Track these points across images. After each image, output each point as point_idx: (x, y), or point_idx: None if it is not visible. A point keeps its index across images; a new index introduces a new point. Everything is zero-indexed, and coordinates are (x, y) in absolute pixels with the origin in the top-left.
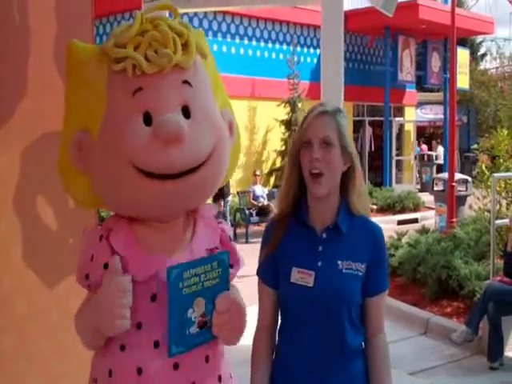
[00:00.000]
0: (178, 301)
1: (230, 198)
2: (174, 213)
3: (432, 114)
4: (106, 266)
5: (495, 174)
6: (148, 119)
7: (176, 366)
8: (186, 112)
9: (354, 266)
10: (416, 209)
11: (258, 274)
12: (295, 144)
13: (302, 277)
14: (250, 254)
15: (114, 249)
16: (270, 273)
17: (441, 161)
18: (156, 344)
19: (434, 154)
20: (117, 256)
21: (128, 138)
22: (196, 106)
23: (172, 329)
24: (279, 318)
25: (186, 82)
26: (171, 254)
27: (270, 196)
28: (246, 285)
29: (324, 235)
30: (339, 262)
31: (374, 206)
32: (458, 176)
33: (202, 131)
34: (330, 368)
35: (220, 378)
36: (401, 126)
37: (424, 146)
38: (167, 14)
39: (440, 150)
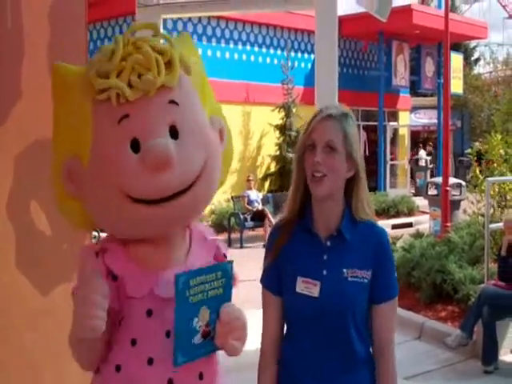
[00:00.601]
0: (185, 309)
1: None
2: (167, 232)
3: (426, 118)
4: (114, 277)
5: (489, 179)
6: (136, 146)
7: (170, 383)
8: (174, 132)
9: (360, 274)
10: (410, 213)
11: (261, 281)
12: (300, 147)
13: (306, 286)
14: (244, 259)
15: (109, 268)
16: (274, 280)
17: (422, 163)
18: (150, 361)
19: (427, 158)
20: (96, 269)
21: (117, 168)
22: (184, 124)
23: (178, 337)
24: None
25: (172, 101)
26: (166, 271)
27: (265, 201)
28: (241, 290)
29: (328, 243)
30: (344, 271)
31: None
32: (452, 180)
33: (191, 150)
34: (337, 377)
35: (201, 376)
36: (395, 131)
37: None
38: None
39: (422, 153)
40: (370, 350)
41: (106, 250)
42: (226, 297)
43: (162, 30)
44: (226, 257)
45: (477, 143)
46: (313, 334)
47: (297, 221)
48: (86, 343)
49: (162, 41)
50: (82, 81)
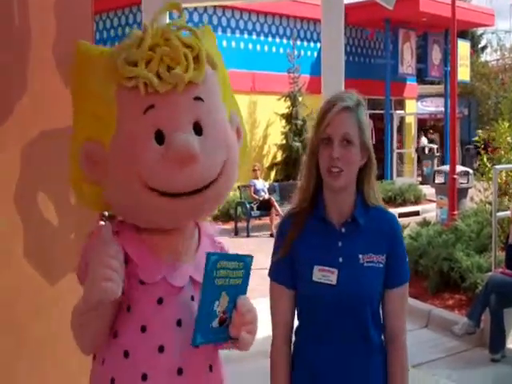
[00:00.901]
0: (211, 290)
1: None
2: (184, 224)
3: (433, 106)
4: (125, 261)
5: (496, 166)
6: (160, 137)
7: (180, 372)
8: (198, 128)
9: (375, 259)
10: (417, 201)
11: (271, 275)
12: (314, 140)
13: (324, 275)
14: (251, 248)
15: (123, 249)
16: (286, 273)
17: (426, 151)
18: (161, 349)
19: (434, 146)
20: (107, 223)
21: (140, 157)
22: (208, 121)
23: (201, 318)
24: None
25: (197, 98)
26: (178, 262)
27: (271, 190)
28: None
29: (343, 230)
30: (360, 256)
31: None
32: (459, 168)
33: (214, 148)
34: (354, 365)
35: (211, 368)
36: (401, 119)
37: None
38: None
39: (423, 140)
40: (382, 337)
41: (119, 233)
42: (243, 288)
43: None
44: None
45: (480, 131)
46: (329, 321)
47: (308, 210)
48: (94, 316)
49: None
50: (106, 63)
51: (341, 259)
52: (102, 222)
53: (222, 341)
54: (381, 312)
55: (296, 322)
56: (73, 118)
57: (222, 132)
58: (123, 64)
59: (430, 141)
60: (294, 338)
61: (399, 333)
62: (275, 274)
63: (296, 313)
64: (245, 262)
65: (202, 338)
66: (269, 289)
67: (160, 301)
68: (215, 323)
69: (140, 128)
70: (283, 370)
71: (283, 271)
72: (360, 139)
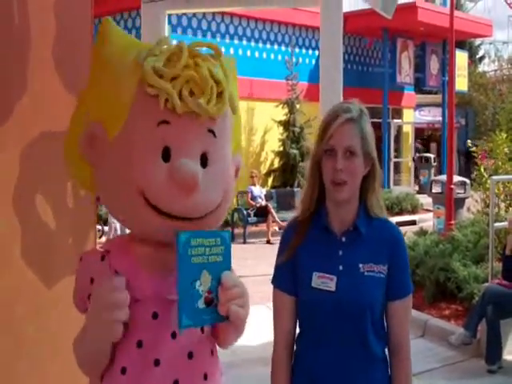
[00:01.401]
0: (188, 269)
1: None
2: (166, 243)
3: (430, 116)
4: None
5: (494, 177)
6: (166, 154)
7: (157, 363)
8: (204, 160)
9: (376, 269)
10: (414, 211)
11: (274, 282)
12: (318, 150)
13: (323, 281)
14: (248, 255)
15: (115, 270)
16: (289, 280)
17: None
18: (156, 362)
19: (432, 155)
20: (122, 277)
21: (143, 169)
22: (214, 156)
23: (182, 299)
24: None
25: (211, 131)
26: (170, 275)
27: (268, 197)
28: (245, 285)
29: (343, 239)
30: (360, 265)
31: None
32: (456, 178)
33: (215, 183)
34: (354, 374)
35: (206, 377)
36: (399, 128)
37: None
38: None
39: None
40: (386, 350)
41: (109, 252)
42: (226, 265)
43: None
44: None
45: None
46: (329, 329)
47: (311, 219)
48: (103, 350)
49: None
50: (134, 58)
51: (341, 267)
52: (99, 226)
53: (214, 321)
54: (384, 323)
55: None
56: (86, 89)
57: (225, 170)
58: (151, 72)
59: (417, 150)
60: (295, 346)
61: (404, 344)
62: (278, 281)
63: (298, 319)
64: (222, 237)
65: (189, 319)
66: (272, 296)
67: (155, 315)
68: (201, 304)
69: (150, 139)
70: (283, 377)
71: (285, 278)
72: (363, 149)
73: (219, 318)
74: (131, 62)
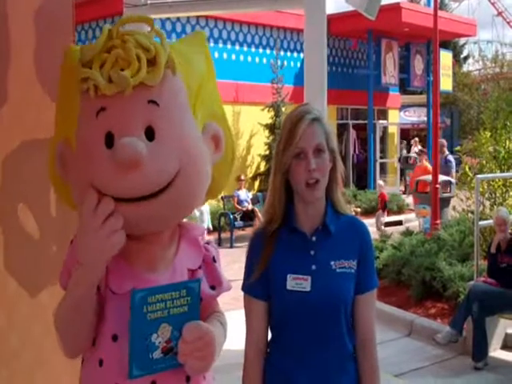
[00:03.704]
0: (142, 325)
1: None
2: (143, 233)
3: (415, 116)
4: None
5: (479, 176)
6: (110, 140)
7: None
8: (150, 133)
9: (347, 264)
10: (400, 211)
11: (246, 291)
12: (285, 158)
13: (298, 283)
14: (235, 259)
15: None
16: (262, 287)
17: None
18: None
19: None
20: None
21: (89, 161)
22: (161, 127)
23: (134, 352)
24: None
25: (152, 101)
26: (153, 271)
27: (255, 200)
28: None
29: (314, 238)
30: (332, 263)
31: (359, 209)
32: (441, 178)
33: (165, 155)
34: (331, 374)
35: (188, 379)
36: (384, 129)
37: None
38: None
39: (414, 149)
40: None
41: None
42: (192, 315)
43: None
44: (215, 260)
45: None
46: (305, 330)
47: (279, 225)
48: (78, 313)
49: (154, 37)
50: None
51: (314, 267)
52: None
53: (170, 368)
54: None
55: (269, 335)
56: (55, 116)
57: (178, 139)
58: (78, 65)
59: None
60: (267, 352)
61: (371, 336)
62: (248, 287)
63: (270, 325)
64: (188, 288)
65: (139, 370)
66: (243, 301)
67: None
68: (157, 354)
69: (92, 131)
70: (256, 379)
71: (256, 284)
72: (328, 146)
73: (177, 365)
74: (74, 71)
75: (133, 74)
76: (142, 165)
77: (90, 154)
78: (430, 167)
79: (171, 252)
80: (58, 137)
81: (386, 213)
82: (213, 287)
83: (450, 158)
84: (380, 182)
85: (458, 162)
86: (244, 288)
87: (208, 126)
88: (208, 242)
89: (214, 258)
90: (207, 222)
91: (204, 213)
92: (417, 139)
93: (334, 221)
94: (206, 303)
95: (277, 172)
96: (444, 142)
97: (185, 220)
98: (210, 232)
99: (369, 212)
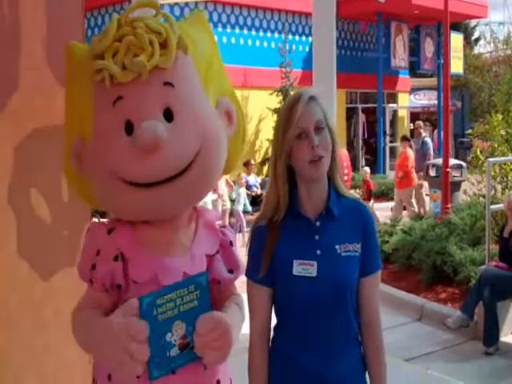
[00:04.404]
0: (155, 327)
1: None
2: (166, 216)
3: (426, 99)
4: (116, 258)
5: (490, 159)
6: (130, 128)
7: (173, 371)
8: (169, 114)
9: (352, 248)
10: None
11: (250, 276)
12: (288, 139)
13: (304, 268)
14: (245, 243)
15: (118, 248)
16: (267, 273)
17: None
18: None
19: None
20: (134, 299)
21: (110, 150)
22: (179, 107)
23: (151, 353)
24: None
25: (167, 83)
26: (172, 258)
27: (264, 185)
28: None
29: (318, 223)
30: (337, 247)
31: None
32: (452, 161)
33: (185, 135)
34: (336, 358)
35: (218, 382)
36: (394, 113)
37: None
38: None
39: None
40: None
41: (115, 228)
42: (203, 308)
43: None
44: (232, 245)
45: (477, 124)
46: (310, 316)
47: (283, 211)
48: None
49: (162, 20)
50: (85, 62)
51: (318, 252)
52: (95, 219)
53: (189, 362)
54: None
55: (274, 319)
56: (65, 116)
57: (195, 119)
58: (91, 57)
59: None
60: (272, 334)
61: (376, 318)
62: (252, 273)
63: (274, 310)
64: (196, 282)
65: (159, 370)
66: (246, 287)
67: None
68: (174, 352)
69: (110, 121)
70: (261, 366)
71: (260, 270)
72: (327, 124)
73: (196, 358)
74: (86, 64)
75: (147, 58)
76: (162, 147)
77: (110, 143)
78: (410, 155)
79: (188, 237)
80: (71, 135)
81: (372, 201)
82: (231, 271)
83: (427, 139)
84: (366, 168)
85: (469, 146)
86: (248, 274)
87: (220, 102)
88: (224, 226)
89: (231, 242)
90: (242, 204)
91: (240, 194)
92: (420, 123)
93: (337, 204)
94: (225, 287)
95: (278, 157)
96: (420, 123)
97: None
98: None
99: (378, 196)
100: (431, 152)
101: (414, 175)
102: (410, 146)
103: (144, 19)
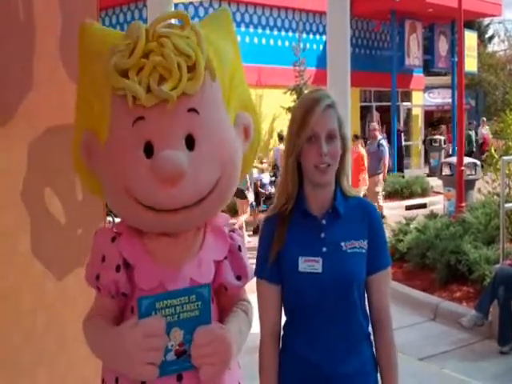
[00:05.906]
0: None
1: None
2: (179, 231)
3: (440, 98)
4: (118, 268)
5: (505, 158)
6: (149, 149)
7: (180, 378)
8: (191, 142)
9: (358, 244)
10: (424, 194)
11: (259, 275)
12: (298, 141)
13: (309, 265)
14: (257, 243)
15: (123, 255)
16: (275, 270)
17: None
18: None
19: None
20: (159, 317)
21: (127, 168)
22: (201, 135)
23: None
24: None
25: (192, 109)
26: (178, 265)
27: (276, 184)
28: None
29: (324, 221)
30: (342, 244)
31: (383, 192)
32: (466, 160)
33: (206, 164)
34: (344, 355)
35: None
36: (408, 111)
37: None
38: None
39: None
40: (370, 327)
41: (121, 235)
42: (204, 318)
43: (191, 21)
44: (240, 250)
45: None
46: (319, 312)
47: (291, 208)
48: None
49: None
50: (108, 53)
51: (324, 249)
52: (109, 218)
53: (184, 370)
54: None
55: (283, 318)
56: (76, 104)
57: (217, 146)
58: (113, 71)
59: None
60: (282, 335)
61: (387, 315)
62: (262, 271)
63: (283, 308)
64: (197, 293)
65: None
66: (256, 287)
67: None
68: (170, 356)
69: (129, 138)
70: (272, 366)
71: (272, 269)
72: (340, 133)
73: (190, 367)
74: (106, 58)
75: (174, 84)
76: (183, 178)
77: (127, 161)
78: (363, 153)
79: (196, 243)
80: (80, 126)
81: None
82: (239, 277)
83: (383, 142)
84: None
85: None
86: (257, 272)
87: (239, 117)
88: (233, 230)
89: (239, 247)
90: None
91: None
92: (375, 124)
93: (342, 203)
94: (232, 293)
95: (289, 155)
96: (375, 125)
97: None
98: (233, 216)
99: (392, 195)
100: (387, 155)
101: (366, 176)
102: (362, 145)
103: (172, 37)
